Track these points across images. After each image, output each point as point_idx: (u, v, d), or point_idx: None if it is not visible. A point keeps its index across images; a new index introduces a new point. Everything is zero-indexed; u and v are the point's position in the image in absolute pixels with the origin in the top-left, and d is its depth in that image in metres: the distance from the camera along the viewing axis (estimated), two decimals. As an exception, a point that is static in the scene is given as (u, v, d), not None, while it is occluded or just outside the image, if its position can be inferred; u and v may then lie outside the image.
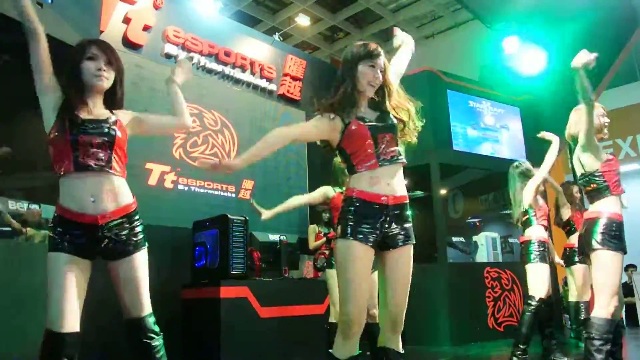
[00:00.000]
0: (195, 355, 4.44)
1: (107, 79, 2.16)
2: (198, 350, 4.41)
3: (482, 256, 7.27)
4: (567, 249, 5.33)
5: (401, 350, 2.20)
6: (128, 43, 5.94)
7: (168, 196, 5.59)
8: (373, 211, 2.12)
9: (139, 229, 2.18)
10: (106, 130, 2.11)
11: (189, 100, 6.29)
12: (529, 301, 4.12)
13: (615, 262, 2.91)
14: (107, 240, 2.08)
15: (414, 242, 2.24)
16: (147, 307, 2.16)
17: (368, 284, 2.16)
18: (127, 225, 2.14)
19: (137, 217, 2.19)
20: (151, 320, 2.16)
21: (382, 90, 2.32)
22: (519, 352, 4.03)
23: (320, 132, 2.24)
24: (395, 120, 2.29)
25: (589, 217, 3.10)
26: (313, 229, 5.62)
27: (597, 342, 2.77)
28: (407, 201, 2.23)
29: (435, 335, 6.05)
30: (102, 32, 5.41)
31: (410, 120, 2.34)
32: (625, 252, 2.97)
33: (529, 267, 4.23)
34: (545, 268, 4.17)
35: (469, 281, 6.54)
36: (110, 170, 2.10)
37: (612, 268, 2.90)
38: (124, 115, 2.26)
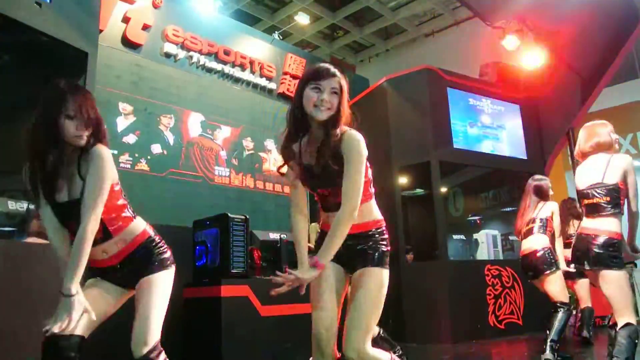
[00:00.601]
0: (196, 354, 4.44)
1: (87, 136, 2.04)
2: (199, 349, 4.42)
3: (482, 254, 7.27)
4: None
5: None
6: (127, 42, 5.94)
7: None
8: None
9: (143, 261, 2.17)
10: (77, 212, 2.02)
11: (189, 99, 6.33)
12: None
13: (623, 280, 3.04)
14: (123, 274, 2.15)
15: None
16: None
17: None
18: (134, 264, 2.16)
19: (145, 246, 2.18)
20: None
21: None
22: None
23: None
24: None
25: (589, 231, 3.15)
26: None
27: (626, 341, 2.91)
28: None
29: (436, 332, 6.05)
30: (101, 31, 5.40)
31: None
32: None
33: (552, 276, 4.27)
34: (560, 274, 4.27)
35: (469, 279, 6.53)
36: (113, 237, 2.12)
37: (622, 287, 3.03)
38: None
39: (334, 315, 2.13)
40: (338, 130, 2.01)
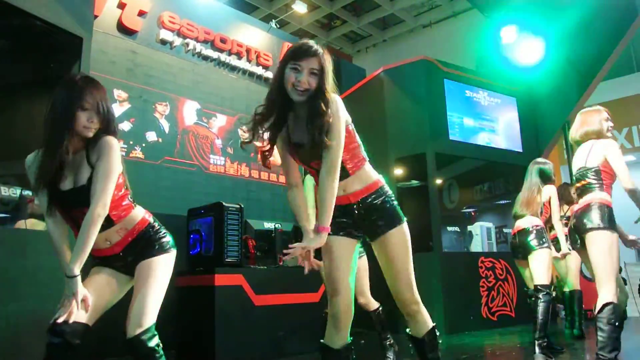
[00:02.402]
0: (189, 343, 4.45)
1: (95, 129, 2.10)
2: (192, 338, 4.42)
3: (476, 246, 7.30)
4: (552, 239, 5.33)
5: (419, 334, 2.37)
6: (123, 28, 5.89)
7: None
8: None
9: (142, 249, 2.20)
10: (85, 198, 2.05)
11: (185, 86, 6.29)
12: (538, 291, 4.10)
13: (613, 241, 2.97)
14: (124, 262, 2.18)
15: None
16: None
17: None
18: (133, 252, 2.19)
19: (146, 233, 2.22)
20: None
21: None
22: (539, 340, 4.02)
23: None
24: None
25: (579, 206, 3.18)
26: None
27: (608, 328, 2.82)
28: None
29: (429, 324, 6.07)
30: (96, 17, 5.35)
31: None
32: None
33: (535, 254, 4.16)
34: (549, 255, 4.15)
35: (463, 271, 6.57)
36: (115, 224, 2.14)
37: (611, 249, 2.95)
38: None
39: (351, 298, 2.17)
40: (323, 106, 1.96)
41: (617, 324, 2.84)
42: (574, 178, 3.35)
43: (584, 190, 3.21)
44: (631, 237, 3.29)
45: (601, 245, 2.97)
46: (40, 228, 3.55)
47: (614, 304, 2.87)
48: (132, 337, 2.02)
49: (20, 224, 3.73)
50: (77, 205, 2.05)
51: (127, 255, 2.16)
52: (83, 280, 2.05)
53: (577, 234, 3.15)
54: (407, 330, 2.35)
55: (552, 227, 4.77)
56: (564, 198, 5.35)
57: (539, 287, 4.06)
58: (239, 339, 4.28)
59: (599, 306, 2.91)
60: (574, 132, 3.41)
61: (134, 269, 2.16)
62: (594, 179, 3.17)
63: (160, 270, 2.17)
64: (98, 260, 2.18)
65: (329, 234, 2.05)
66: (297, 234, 5.45)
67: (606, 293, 2.89)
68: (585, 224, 3.05)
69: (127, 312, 2.08)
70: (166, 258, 2.21)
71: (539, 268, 4.11)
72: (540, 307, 4.02)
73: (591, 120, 3.32)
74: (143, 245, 2.17)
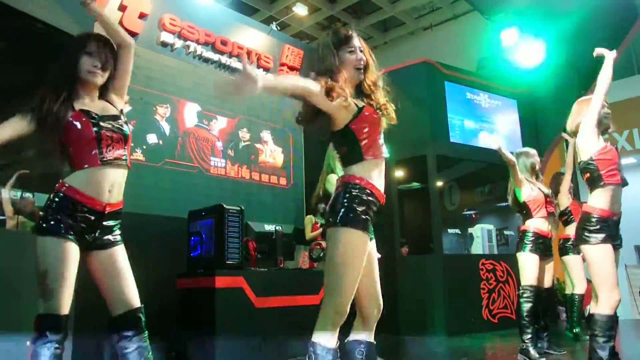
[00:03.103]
0: (190, 345, 4.44)
1: (102, 76, 2.20)
2: (193, 340, 4.41)
3: (477, 248, 7.29)
4: (561, 239, 5.34)
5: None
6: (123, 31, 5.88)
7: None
8: (374, 206, 2.11)
9: (118, 225, 2.24)
10: (121, 126, 2.20)
11: (185, 88, 6.29)
12: (520, 291, 4.22)
13: (600, 255, 2.89)
14: (100, 229, 2.14)
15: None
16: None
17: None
18: (116, 219, 2.22)
19: (121, 213, 2.26)
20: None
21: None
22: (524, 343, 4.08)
23: (328, 104, 2.07)
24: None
25: (582, 212, 3.13)
26: (309, 219, 5.62)
27: (600, 339, 2.76)
28: None
29: (430, 326, 6.07)
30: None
31: (388, 102, 2.31)
32: (614, 244, 2.94)
33: (518, 256, 4.31)
34: (533, 258, 4.21)
35: (464, 273, 6.56)
36: (127, 166, 2.22)
37: (599, 262, 2.88)
38: (119, 102, 2.30)
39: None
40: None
41: (597, 334, 2.78)
42: (579, 170, 3.26)
43: (590, 185, 3.10)
44: None
45: (590, 259, 2.94)
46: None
47: (595, 315, 2.84)
48: (139, 306, 2.16)
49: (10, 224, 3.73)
50: (111, 130, 2.16)
51: (101, 221, 2.12)
52: (54, 262, 2.01)
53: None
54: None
55: (565, 222, 4.87)
56: (553, 188, 5.32)
57: (521, 288, 4.20)
58: (240, 341, 4.27)
59: (587, 314, 2.92)
60: (571, 124, 3.27)
61: (89, 244, 2.12)
62: (587, 174, 3.07)
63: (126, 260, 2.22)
64: (81, 218, 2.08)
65: (365, 232, 2.05)
66: (298, 236, 5.46)
67: (595, 304, 2.86)
68: (578, 241, 3.03)
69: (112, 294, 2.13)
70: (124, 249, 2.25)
71: (520, 269, 4.27)
72: (523, 308, 4.13)
73: (587, 109, 3.16)
74: (114, 224, 2.19)
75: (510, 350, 4.79)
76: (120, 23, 5.81)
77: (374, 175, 2.11)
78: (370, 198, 2.07)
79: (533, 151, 4.54)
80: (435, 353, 5.03)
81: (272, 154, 7.29)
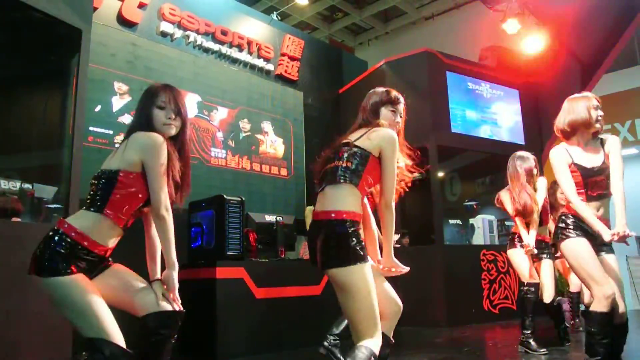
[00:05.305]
0: (191, 336, 4.45)
1: (176, 127, 2.22)
2: (194, 331, 4.42)
3: (478, 239, 7.29)
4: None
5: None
6: (123, 21, 5.85)
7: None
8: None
9: None
10: None
11: (185, 79, 6.26)
12: (525, 287, 4.25)
13: (570, 249, 2.85)
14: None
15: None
16: None
17: None
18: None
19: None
20: None
21: None
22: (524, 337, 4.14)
23: None
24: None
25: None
26: (310, 210, 5.61)
27: (597, 336, 2.75)
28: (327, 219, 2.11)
29: (431, 316, 6.08)
30: (96, 9, 5.32)
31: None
32: (588, 238, 2.82)
33: (509, 254, 4.42)
34: (522, 253, 4.23)
35: (465, 263, 6.56)
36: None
37: (572, 257, 2.84)
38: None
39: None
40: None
41: (593, 330, 2.76)
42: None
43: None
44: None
45: (565, 256, 2.92)
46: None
47: (589, 311, 2.81)
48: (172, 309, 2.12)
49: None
50: None
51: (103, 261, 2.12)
52: (85, 294, 1.97)
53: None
54: None
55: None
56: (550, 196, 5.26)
57: (524, 284, 4.24)
58: (241, 331, 4.29)
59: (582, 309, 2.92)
60: (561, 122, 3.05)
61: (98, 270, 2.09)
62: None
63: None
64: (91, 261, 2.05)
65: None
66: (298, 227, 5.45)
67: (594, 301, 2.79)
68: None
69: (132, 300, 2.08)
70: None
71: (514, 267, 4.38)
72: (523, 304, 4.20)
73: (577, 108, 2.96)
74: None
75: (511, 341, 4.80)
76: (120, 13, 5.78)
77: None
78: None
79: (529, 155, 4.45)
80: (436, 344, 5.03)
81: (272, 144, 7.27)
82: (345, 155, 2.17)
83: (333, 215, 2.06)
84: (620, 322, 2.79)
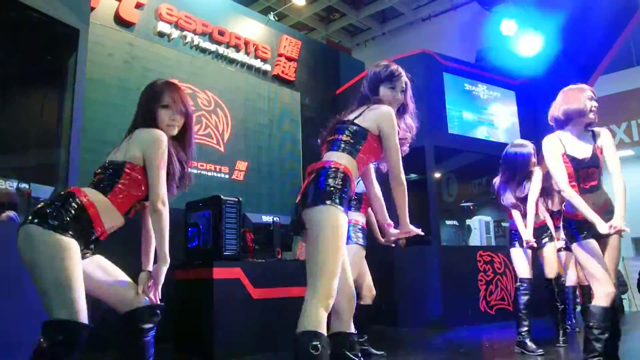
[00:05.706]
0: (188, 337, 4.45)
1: (178, 127, 2.25)
2: (191, 331, 4.42)
3: (475, 240, 7.30)
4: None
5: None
6: (120, 21, 5.84)
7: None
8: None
9: None
10: None
11: (183, 79, 6.25)
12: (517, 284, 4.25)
13: (580, 251, 2.88)
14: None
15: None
16: None
17: None
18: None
19: None
20: None
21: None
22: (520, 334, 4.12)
23: None
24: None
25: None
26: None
27: (596, 331, 2.77)
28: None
29: (428, 317, 6.09)
30: (93, 8, 5.30)
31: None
32: (594, 237, 2.84)
33: (510, 252, 4.39)
34: (521, 252, 4.25)
35: (461, 264, 6.57)
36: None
37: (582, 258, 2.88)
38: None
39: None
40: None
41: (592, 324, 2.78)
42: None
43: None
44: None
45: (576, 257, 2.96)
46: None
47: (590, 306, 2.84)
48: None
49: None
50: None
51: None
52: (72, 264, 1.94)
53: None
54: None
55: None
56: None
57: (518, 280, 4.23)
58: (238, 332, 4.28)
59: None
60: (556, 110, 3.11)
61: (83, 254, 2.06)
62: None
63: None
64: (84, 238, 2.02)
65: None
66: (294, 227, 5.44)
67: (596, 297, 2.83)
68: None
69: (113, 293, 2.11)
70: None
71: (514, 264, 4.35)
72: (519, 301, 4.16)
73: (573, 97, 3.01)
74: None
75: (507, 342, 4.81)
76: (117, 13, 5.77)
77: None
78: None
79: (528, 143, 4.52)
80: (433, 344, 5.04)
81: (270, 145, 7.27)
82: (345, 132, 2.26)
83: (328, 164, 2.14)
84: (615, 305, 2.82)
